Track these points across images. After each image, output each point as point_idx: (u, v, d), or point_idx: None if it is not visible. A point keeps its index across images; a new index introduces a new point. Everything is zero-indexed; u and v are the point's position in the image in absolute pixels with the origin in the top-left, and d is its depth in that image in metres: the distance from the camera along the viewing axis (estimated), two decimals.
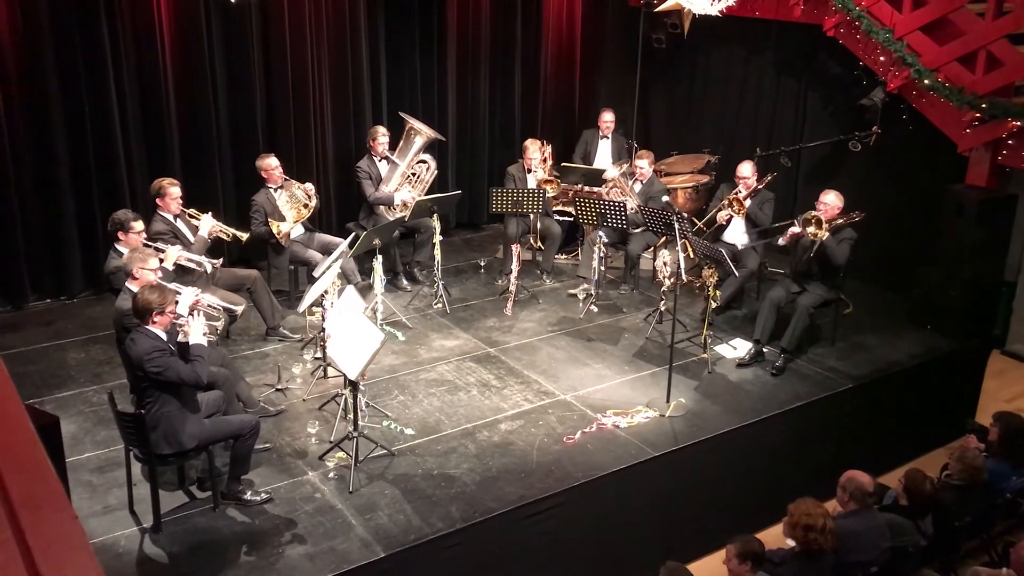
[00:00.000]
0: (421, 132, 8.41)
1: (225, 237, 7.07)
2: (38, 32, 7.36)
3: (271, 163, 7.67)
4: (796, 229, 7.05)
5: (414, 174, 8.53)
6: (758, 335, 7.22)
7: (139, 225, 6.37)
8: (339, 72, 8.92)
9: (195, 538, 5.07)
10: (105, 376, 6.67)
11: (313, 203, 7.70)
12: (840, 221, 7.07)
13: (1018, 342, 8.69)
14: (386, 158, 8.41)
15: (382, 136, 8.35)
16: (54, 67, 7.49)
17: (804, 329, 7.12)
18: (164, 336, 5.08)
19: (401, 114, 8.66)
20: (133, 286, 5.61)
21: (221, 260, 6.88)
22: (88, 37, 7.57)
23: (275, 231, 7.55)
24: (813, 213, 6.94)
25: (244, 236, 7.15)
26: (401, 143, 8.49)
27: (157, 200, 6.83)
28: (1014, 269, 8.51)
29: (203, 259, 6.64)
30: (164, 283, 5.63)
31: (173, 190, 6.84)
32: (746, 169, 7.87)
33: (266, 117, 8.66)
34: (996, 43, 7.22)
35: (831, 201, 7.12)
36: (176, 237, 6.77)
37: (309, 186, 7.73)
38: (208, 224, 6.91)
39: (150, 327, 5.03)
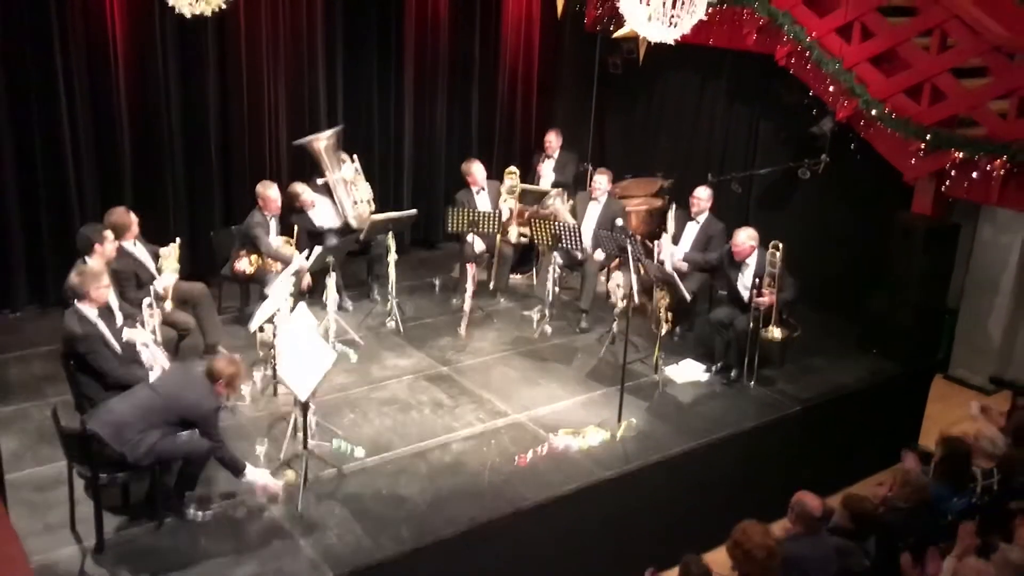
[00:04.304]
0: (318, 140, 8.31)
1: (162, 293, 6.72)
2: None
3: (272, 194, 7.62)
4: (765, 300, 6.99)
5: (349, 180, 8.50)
6: (714, 359, 7.37)
7: (110, 234, 6.32)
8: (295, 90, 8.88)
9: (139, 558, 4.97)
10: (48, 392, 6.51)
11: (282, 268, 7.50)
12: (776, 271, 6.98)
13: (961, 367, 8.89)
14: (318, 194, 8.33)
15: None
16: (3, 78, 7.36)
17: (747, 349, 7.18)
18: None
19: (295, 143, 8.56)
20: (85, 308, 5.59)
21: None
22: (39, 50, 7.45)
23: (247, 262, 7.56)
24: (773, 332, 6.97)
25: (170, 306, 6.77)
26: (323, 163, 8.37)
27: (126, 233, 6.62)
28: (957, 296, 8.72)
29: (159, 354, 6.03)
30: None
31: (132, 216, 6.72)
32: (701, 192, 8.03)
33: (220, 135, 8.58)
34: (940, 76, 7.42)
35: (742, 240, 7.17)
36: (136, 275, 6.64)
37: (305, 281, 7.40)
38: (168, 281, 6.70)
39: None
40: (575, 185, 9.59)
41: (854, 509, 5.17)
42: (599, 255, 8.15)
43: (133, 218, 6.73)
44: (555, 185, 9.31)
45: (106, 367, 5.55)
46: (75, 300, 5.62)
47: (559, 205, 8.62)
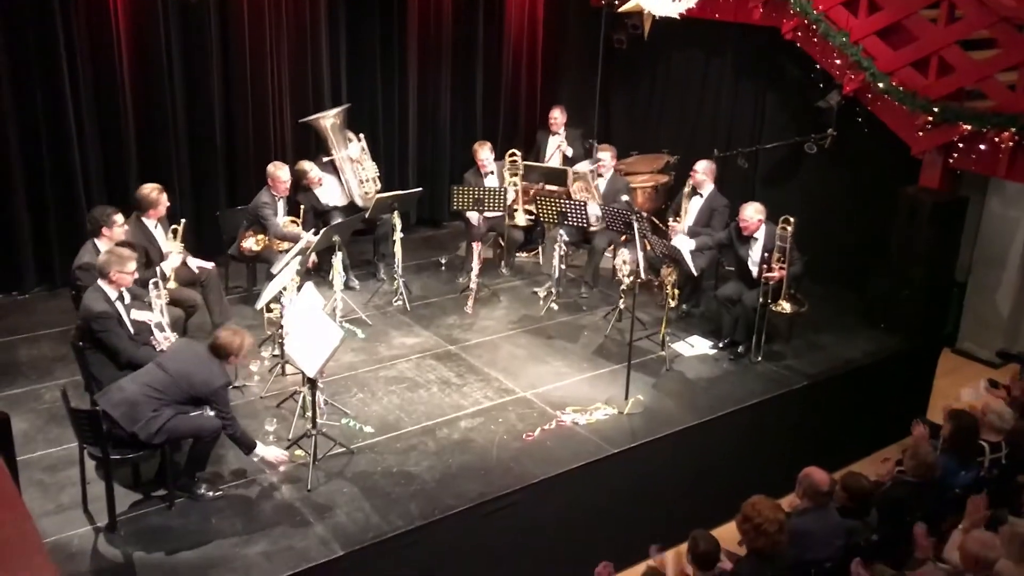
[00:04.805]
0: (325, 118, 8.35)
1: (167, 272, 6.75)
2: None
3: (283, 175, 7.60)
4: (775, 275, 6.95)
5: (355, 159, 8.48)
6: (721, 335, 7.35)
7: (120, 218, 6.35)
8: (298, 70, 8.85)
9: (151, 537, 5.01)
10: (57, 373, 6.56)
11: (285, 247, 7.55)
12: (786, 246, 6.95)
13: (968, 341, 8.88)
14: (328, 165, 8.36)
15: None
16: (6, 62, 7.36)
17: (755, 325, 7.18)
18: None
19: (302, 120, 8.58)
20: (107, 287, 5.64)
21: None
22: (42, 34, 7.43)
23: (253, 242, 7.54)
24: (783, 306, 6.96)
25: (173, 285, 6.71)
26: (330, 142, 8.39)
27: (150, 211, 6.70)
28: (964, 270, 8.69)
29: (171, 335, 6.08)
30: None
31: (164, 197, 6.79)
32: (699, 165, 7.97)
33: (224, 116, 8.57)
34: (948, 49, 7.36)
35: (749, 215, 7.14)
36: (147, 255, 6.64)
37: (311, 259, 7.36)
38: (175, 262, 6.74)
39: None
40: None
41: (850, 487, 5.19)
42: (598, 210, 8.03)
43: (163, 199, 6.79)
44: (566, 161, 9.27)
45: (120, 346, 5.59)
46: (97, 278, 5.67)
47: (590, 180, 8.53)
